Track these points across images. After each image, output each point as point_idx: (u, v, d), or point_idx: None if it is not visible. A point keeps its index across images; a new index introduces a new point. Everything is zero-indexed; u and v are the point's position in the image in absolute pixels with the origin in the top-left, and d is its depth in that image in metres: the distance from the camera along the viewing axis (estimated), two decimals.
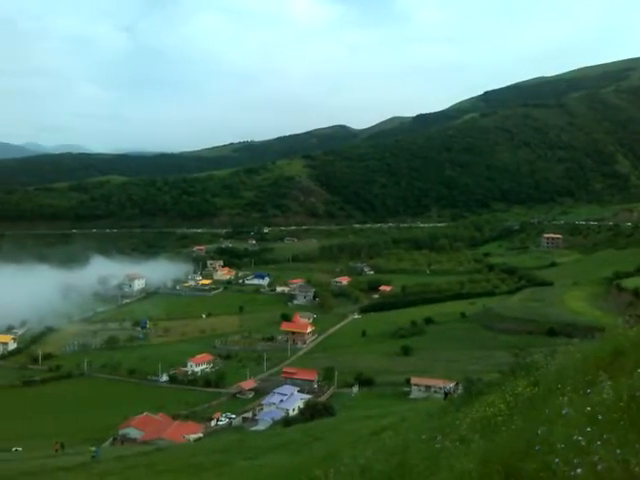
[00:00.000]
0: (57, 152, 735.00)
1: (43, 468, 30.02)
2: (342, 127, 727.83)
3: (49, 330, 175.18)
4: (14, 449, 69.16)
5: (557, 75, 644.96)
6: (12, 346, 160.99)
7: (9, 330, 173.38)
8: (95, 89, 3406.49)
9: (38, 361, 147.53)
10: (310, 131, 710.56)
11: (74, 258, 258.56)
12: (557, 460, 5.56)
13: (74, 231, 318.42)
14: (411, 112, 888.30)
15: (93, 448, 42.40)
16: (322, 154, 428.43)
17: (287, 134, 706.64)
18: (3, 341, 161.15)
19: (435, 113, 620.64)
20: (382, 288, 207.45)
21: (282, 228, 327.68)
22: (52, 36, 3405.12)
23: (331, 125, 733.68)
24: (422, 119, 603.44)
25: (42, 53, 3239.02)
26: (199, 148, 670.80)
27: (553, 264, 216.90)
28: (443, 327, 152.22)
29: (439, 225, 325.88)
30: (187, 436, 75.17)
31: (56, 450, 57.02)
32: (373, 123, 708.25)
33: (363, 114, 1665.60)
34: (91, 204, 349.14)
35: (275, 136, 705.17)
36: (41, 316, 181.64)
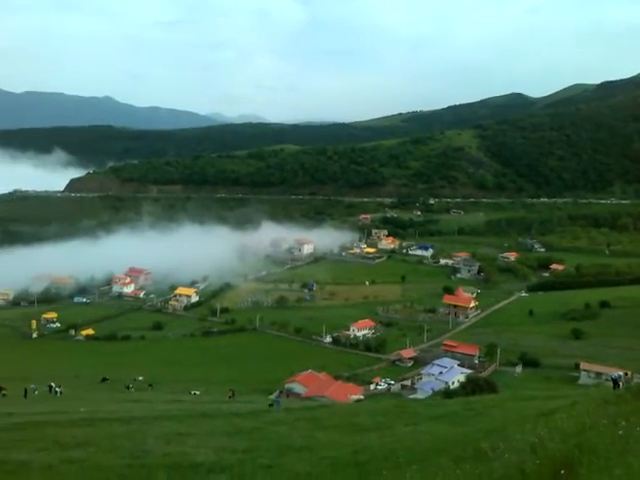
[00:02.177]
0: (238, 122, 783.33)
1: (219, 412, 32.58)
2: (518, 95, 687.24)
3: (227, 286, 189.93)
4: (193, 392, 74.22)
5: None
6: (194, 299, 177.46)
7: (193, 284, 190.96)
8: (273, 61, 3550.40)
9: (216, 314, 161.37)
10: (482, 100, 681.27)
11: (249, 221, 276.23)
12: None
13: (250, 196, 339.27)
14: (595, 79, 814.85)
15: (272, 396, 45.29)
16: (494, 124, 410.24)
17: (457, 103, 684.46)
18: (187, 294, 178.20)
19: (623, 80, 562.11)
20: (553, 266, 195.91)
21: (448, 200, 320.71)
22: (236, 11, 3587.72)
23: (505, 93, 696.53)
24: (607, 87, 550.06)
25: (227, 28, 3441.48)
26: (368, 118, 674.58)
27: None
28: (621, 312, 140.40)
29: (623, 202, 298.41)
30: (351, 396, 77.93)
31: (229, 397, 62.00)
32: (552, 91, 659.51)
33: (541, 81, 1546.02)
34: (267, 171, 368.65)
35: (445, 105, 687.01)
36: (220, 273, 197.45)
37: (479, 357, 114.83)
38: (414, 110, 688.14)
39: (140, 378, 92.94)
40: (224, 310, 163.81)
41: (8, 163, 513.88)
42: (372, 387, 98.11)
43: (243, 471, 15.54)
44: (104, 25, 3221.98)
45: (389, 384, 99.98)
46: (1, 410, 32.82)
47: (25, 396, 53.19)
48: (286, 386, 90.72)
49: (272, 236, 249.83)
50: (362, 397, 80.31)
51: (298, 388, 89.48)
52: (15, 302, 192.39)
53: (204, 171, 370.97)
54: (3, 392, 50.22)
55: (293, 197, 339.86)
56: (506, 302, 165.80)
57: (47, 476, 14.53)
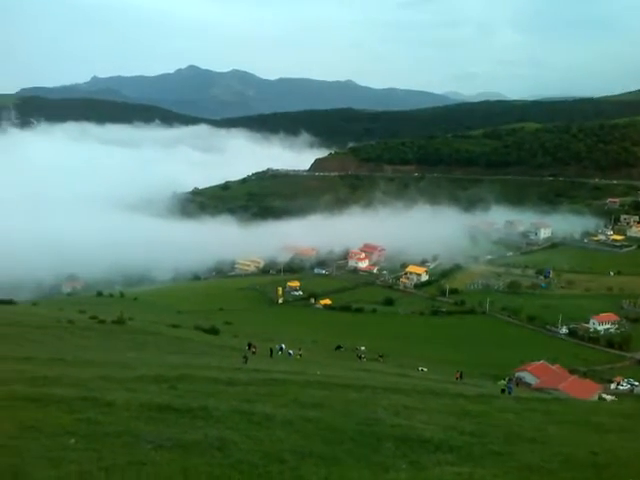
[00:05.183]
0: (475, 100, 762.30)
1: (446, 391, 32.69)
2: None
3: (457, 267, 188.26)
4: (420, 369, 74.88)
5: None
6: (424, 278, 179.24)
7: (423, 263, 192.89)
8: (513, 35, 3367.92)
9: (445, 294, 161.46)
10: None
11: (481, 202, 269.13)
12: None
13: (484, 177, 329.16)
14: None
15: (504, 381, 44.06)
16: None
17: None
18: (418, 272, 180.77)
19: None
20: None
21: None
22: None
23: None
24: None
25: (466, 4, 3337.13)
26: (621, 92, 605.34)
27: None
28: None
29: None
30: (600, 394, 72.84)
31: (456, 378, 59.99)
32: None
33: None
34: (503, 151, 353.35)
35: None
36: (451, 253, 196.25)
37: None
38: None
39: (362, 348, 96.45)
40: (453, 291, 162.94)
41: (263, 144, 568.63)
42: (612, 386, 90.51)
43: (471, 454, 15.45)
44: (348, 11, 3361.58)
45: (633, 385, 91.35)
46: (250, 366, 36.94)
47: (271, 355, 58.98)
48: (516, 374, 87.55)
49: (505, 218, 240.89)
50: (602, 396, 74.38)
51: (529, 378, 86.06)
52: (265, 270, 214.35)
53: (438, 151, 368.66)
54: (253, 350, 56.23)
55: (530, 178, 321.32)
56: None
57: (287, 431, 15.40)
